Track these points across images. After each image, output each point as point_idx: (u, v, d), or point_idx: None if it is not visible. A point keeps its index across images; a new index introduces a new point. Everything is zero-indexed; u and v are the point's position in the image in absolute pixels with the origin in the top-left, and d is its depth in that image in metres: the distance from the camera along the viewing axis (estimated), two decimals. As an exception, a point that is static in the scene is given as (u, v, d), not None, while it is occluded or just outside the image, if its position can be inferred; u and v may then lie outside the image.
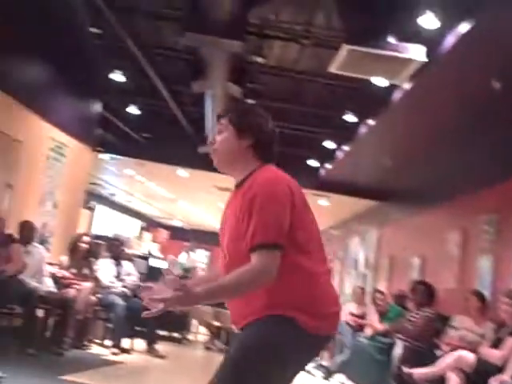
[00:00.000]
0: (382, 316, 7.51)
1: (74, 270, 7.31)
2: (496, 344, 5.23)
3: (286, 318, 2.12)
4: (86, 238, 7.62)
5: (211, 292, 2.12)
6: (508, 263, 6.36)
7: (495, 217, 6.86)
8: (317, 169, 11.15)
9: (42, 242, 7.54)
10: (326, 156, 10.50)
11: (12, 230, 6.55)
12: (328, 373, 7.91)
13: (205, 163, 10.67)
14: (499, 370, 4.89)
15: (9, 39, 6.19)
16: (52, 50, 7.36)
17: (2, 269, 5.79)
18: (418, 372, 5.54)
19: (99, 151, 10.83)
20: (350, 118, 8.33)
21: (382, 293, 8.40)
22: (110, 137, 11.02)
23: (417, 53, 5.49)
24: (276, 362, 2.11)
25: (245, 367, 2.09)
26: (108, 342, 7.50)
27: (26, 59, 6.95)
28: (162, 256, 15.15)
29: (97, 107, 9.20)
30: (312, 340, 2.16)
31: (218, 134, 2.32)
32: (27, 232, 6.64)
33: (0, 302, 5.72)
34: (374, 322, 7.43)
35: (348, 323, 8.67)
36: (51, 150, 7.75)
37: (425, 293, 6.85)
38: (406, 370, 5.78)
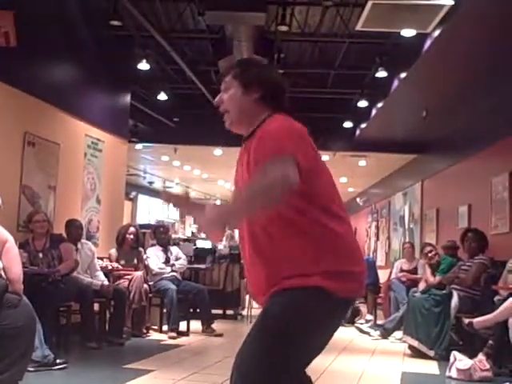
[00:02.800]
0: (435, 269, 7.43)
1: (123, 262, 7.44)
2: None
3: (313, 288, 1.94)
4: (132, 229, 7.69)
5: (246, 197, 1.91)
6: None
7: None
8: (352, 130, 11.02)
9: (90, 237, 7.65)
10: (361, 116, 10.37)
11: (60, 230, 6.64)
12: (385, 331, 7.88)
13: (238, 139, 10.83)
14: None
15: (32, 44, 6.23)
16: (75, 49, 7.42)
17: (57, 269, 5.88)
18: (478, 320, 5.47)
19: (134, 141, 10.89)
20: (381, 74, 8.18)
21: (431, 245, 8.31)
22: (143, 126, 11.09)
23: (443, -2, 5.33)
24: (304, 337, 1.96)
25: (272, 342, 1.95)
26: (165, 327, 7.61)
27: (51, 62, 7.02)
28: (205, 236, 15.25)
29: (126, 99, 9.22)
30: (341, 305, 2.04)
31: (224, 92, 2.19)
32: (75, 230, 6.74)
33: (57, 300, 5.80)
34: (428, 276, 7.35)
35: (400, 280, 8.62)
36: (88, 147, 7.81)
37: (476, 240, 6.75)
38: (465, 320, 5.72)
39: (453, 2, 5.45)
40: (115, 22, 7.21)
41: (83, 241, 6.92)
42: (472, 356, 5.52)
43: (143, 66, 8.53)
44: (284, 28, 7.30)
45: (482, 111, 8.21)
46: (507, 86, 7.21)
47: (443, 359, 5.95)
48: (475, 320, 5.53)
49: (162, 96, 10.08)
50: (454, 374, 5.40)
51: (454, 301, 6.29)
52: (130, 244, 7.54)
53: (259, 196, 1.87)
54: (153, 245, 8.42)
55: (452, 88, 8.04)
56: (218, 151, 12.00)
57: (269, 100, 2.14)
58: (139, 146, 12.02)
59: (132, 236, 7.55)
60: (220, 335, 7.61)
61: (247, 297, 10.36)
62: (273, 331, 1.96)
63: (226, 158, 12.59)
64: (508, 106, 7.46)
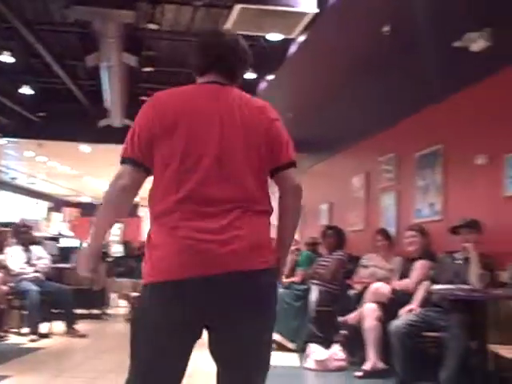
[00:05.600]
0: (295, 263, 7.73)
1: (-19, 262, 7.10)
2: (405, 276, 5.55)
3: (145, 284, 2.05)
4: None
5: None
6: (408, 199, 6.71)
7: (394, 156, 7.17)
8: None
9: None
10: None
11: None
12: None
13: (106, 136, 10.62)
14: (410, 299, 5.20)
15: None
16: None
17: None
18: (351, 317, 5.74)
19: (-4, 136, 10.43)
20: (248, 75, 8.36)
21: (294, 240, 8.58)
22: (6, 120, 10.62)
23: (308, 5, 5.57)
24: (140, 331, 2.06)
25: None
26: (25, 330, 7.33)
27: None
28: (73, 234, 14.85)
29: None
30: (159, 290, 2.00)
31: None
32: None
33: None
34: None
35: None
36: None
37: (335, 237, 7.09)
38: (340, 318, 5.99)
39: (317, 10, 5.70)
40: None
41: None
42: (328, 347, 5.82)
43: (6, 58, 8.18)
44: (154, 26, 7.29)
45: (343, 114, 8.64)
46: (366, 91, 7.65)
47: (303, 351, 6.19)
48: (349, 317, 5.77)
49: (27, 90, 9.71)
50: (310, 365, 5.67)
51: (314, 295, 6.57)
52: (-12, 243, 7.21)
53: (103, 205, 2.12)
54: (13, 244, 8.08)
55: (317, 91, 8.39)
56: (85, 148, 11.73)
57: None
58: (3, 141, 11.51)
59: (-9, 235, 7.23)
60: (84, 336, 7.46)
61: (113, 296, 10.23)
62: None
63: (94, 155, 12.36)
64: (365, 110, 7.90)
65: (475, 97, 5.54)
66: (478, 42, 4.83)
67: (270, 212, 2.14)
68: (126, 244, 11.35)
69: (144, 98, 9.97)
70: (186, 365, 2.07)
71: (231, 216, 2.00)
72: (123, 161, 2.08)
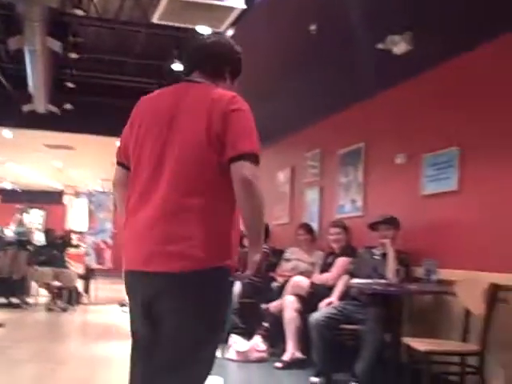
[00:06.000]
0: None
1: None
2: (326, 270, 5.71)
3: None
4: None
5: None
6: (331, 194, 6.88)
7: (319, 151, 7.33)
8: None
9: None
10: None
11: None
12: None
13: (30, 122, 10.35)
14: (330, 293, 5.36)
15: None
16: None
17: None
18: (273, 305, 5.89)
19: None
20: (176, 66, 8.32)
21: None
22: None
23: (236, 0, 5.60)
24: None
25: None
26: None
27: None
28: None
29: None
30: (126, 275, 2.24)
31: None
32: None
33: None
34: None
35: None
36: None
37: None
38: (263, 306, 6.11)
39: (245, 6, 5.73)
40: None
41: None
42: (250, 338, 5.92)
43: None
44: (80, 12, 7.14)
45: (272, 109, 8.68)
46: (292, 87, 7.75)
47: (225, 342, 6.26)
48: (271, 305, 5.91)
49: None
50: (232, 355, 5.75)
51: (238, 287, 6.65)
52: None
53: None
54: None
55: (245, 86, 8.41)
56: (7, 133, 11.38)
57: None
58: None
59: None
60: (0, 325, 7.28)
61: (34, 284, 10.02)
62: None
63: (17, 140, 12.02)
64: (293, 106, 8.01)
65: (396, 98, 5.74)
66: (399, 46, 4.98)
67: (210, 208, 2.13)
68: (48, 232, 11.09)
69: (69, 84, 9.80)
70: None
71: (162, 218, 2.08)
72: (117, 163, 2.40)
